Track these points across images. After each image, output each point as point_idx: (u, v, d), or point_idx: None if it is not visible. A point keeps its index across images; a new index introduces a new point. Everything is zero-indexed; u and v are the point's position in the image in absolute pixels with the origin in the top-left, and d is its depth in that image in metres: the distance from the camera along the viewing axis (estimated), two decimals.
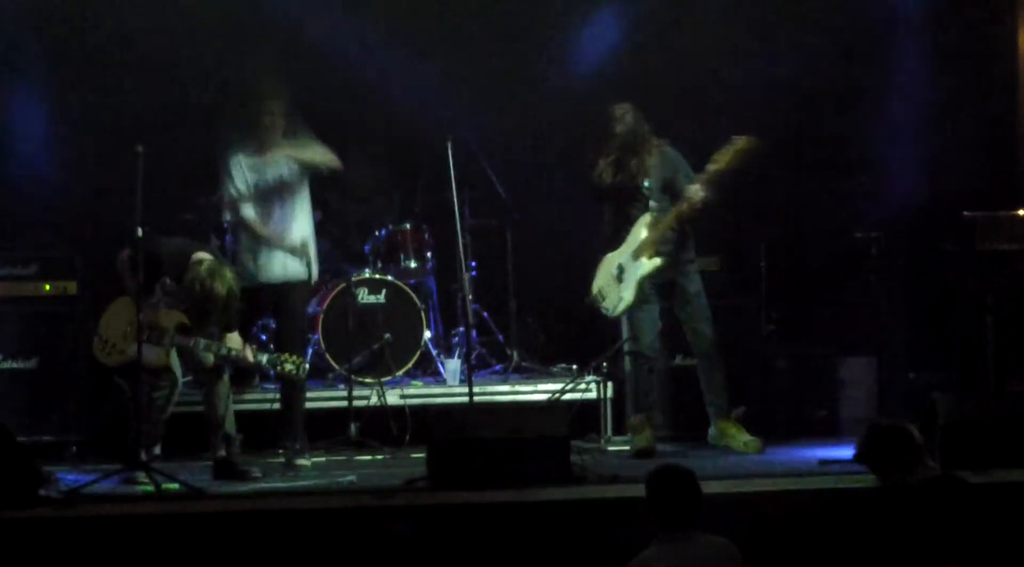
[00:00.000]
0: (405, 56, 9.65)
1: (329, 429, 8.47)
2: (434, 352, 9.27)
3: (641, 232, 8.12)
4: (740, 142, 7.89)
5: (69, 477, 7.26)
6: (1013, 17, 9.67)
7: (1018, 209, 8.61)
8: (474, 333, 9.14)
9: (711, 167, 7.92)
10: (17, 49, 9.46)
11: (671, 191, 8.12)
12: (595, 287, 8.25)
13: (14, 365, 8.30)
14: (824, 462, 7.70)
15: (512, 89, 9.56)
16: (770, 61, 9.47)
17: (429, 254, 9.45)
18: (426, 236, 9.48)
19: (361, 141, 9.44)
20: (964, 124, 9.62)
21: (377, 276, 9.23)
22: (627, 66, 9.81)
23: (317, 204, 8.58)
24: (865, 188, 9.36)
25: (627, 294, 8.12)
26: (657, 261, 8.08)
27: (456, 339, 9.33)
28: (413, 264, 9.44)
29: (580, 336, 9.56)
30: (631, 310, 8.17)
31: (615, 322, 8.39)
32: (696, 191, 7.95)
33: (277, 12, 9.64)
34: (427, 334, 9.24)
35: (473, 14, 9.79)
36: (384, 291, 9.14)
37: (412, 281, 9.38)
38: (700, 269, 8.38)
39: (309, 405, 8.59)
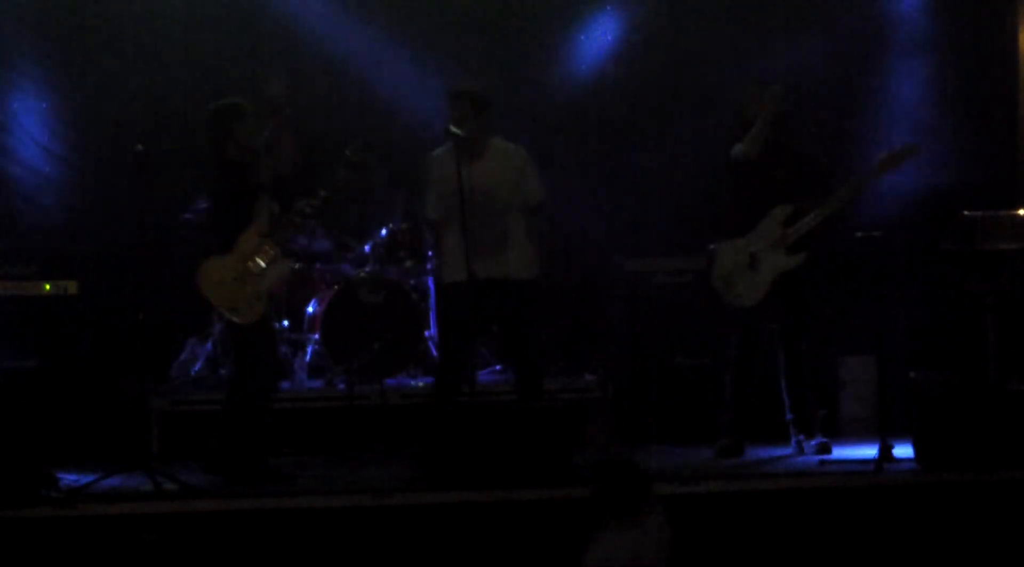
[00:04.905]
0: (405, 55, 9.66)
1: (329, 429, 8.47)
2: (434, 352, 9.25)
3: (777, 222, 7.98)
4: (907, 149, 7.94)
5: (69, 477, 7.26)
6: (1013, 17, 9.68)
7: (1018, 209, 8.61)
8: None
9: (878, 167, 7.91)
10: (17, 48, 9.47)
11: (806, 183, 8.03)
12: (718, 273, 8.08)
13: (14, 365, 8.30)
14: (824, 462, 7.70)
15: (512, 89, 9.55)
16: (770, 61, 9.47)
17: (429, 253, 9.44)
18: (426, 236, 9.46)
19: (360, 140, 9.44)
20: (964, 124, 9.63)
21: (377, 276, 9.21)
22: (627, 66, 9.83)
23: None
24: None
25: (764, 285, 7.98)
26: (802, 256, 7.99)
27: None
28: (412, 264, 9.42)
29: (580, 335, 9.56)
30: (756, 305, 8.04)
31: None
32: (859, 185, 7.95)
33: (277, 12, 9.66)
34: (427, 334, 9.24)
35: (474, 13, 9.80)
36: (384, 291, 9.13)
37: (412, 281, 9.38)
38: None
39: (309, 405, 8.61)
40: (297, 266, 9.42)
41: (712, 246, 8.15)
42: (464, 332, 7.83)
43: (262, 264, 7.40)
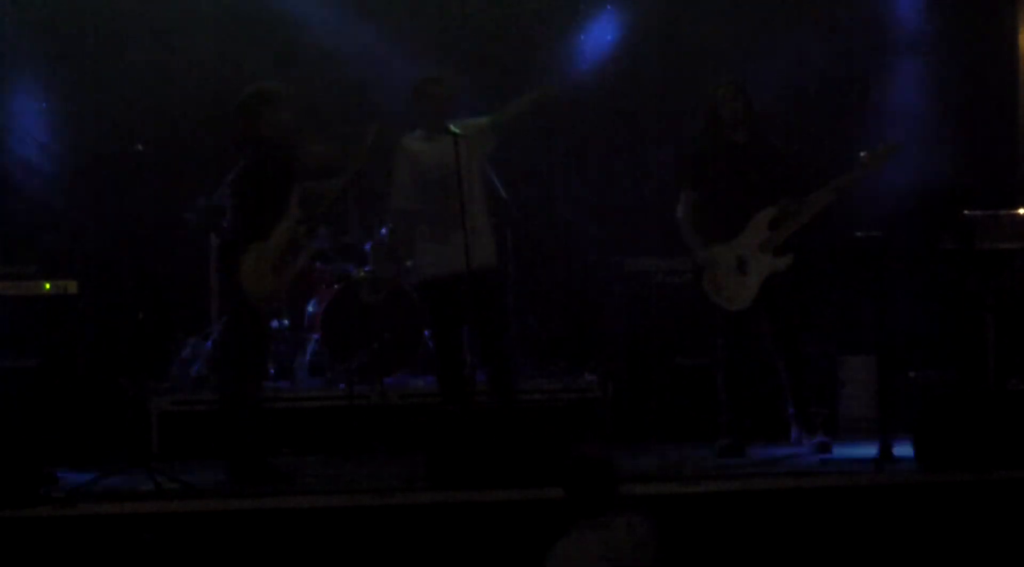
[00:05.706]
0: (405, 55, 9.65)
1: (329, 429, 8.47)
2: None
3: (763, 225, 7.96)
4: (890, 147, 7.92)
5: (69, 476, 7.26)
6: (1013, 17, 9.68)
7: (1018, 209, 8.61)
8: None
9: (861, 166, 7.89)
10: (17, 48, 9.48)
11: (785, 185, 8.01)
12: (707, 277, 8.04)
13: (14, 365, 8.30)
14: (824, 461, 7.70)
15: (512, 88, 9.55)
16: (769, 61, 9.48)
17: None
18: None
19: (360, 140, 9.44)
20: (964, 124, 9.63)
21: (377, 275, 9.21)
22: (628, 65, 9.83)
23: None
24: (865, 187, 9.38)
25: (753, 288, 7.96)
26: (790, 258, 7.97)
27: None
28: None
29: (580, 335, 9.56)
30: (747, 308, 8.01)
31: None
32: (842, 185, 7.93)
33: (276, 11, 9.66)
34: (427, 333, 9.23)
35: (474, 13, 9.80)
36: (384, 291, 9.13)
37: (413, 280, 9.37)
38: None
39: (309, 404, 8.61)
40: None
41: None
42: (446, 326, 7.90)
43: (297, 253, 7.37)
